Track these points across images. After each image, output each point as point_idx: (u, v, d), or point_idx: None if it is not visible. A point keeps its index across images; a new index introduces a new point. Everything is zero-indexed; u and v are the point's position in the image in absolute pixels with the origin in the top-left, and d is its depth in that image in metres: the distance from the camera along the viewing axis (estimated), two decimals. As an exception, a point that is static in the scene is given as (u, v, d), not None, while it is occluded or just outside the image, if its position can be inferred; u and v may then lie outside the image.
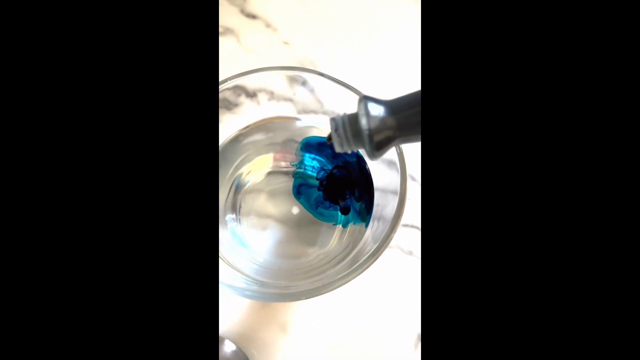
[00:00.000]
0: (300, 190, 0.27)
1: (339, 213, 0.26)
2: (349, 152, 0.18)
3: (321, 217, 0.26)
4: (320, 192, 0.27)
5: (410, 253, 0.28)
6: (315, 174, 0.27)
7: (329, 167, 0.27)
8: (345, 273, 0.18)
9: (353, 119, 0.17)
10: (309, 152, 0.27)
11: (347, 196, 0.26)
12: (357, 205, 0.26)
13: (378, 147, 0.17)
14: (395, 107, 0.16)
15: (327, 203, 0.26)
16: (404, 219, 0.28)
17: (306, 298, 0.18)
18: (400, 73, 0.32)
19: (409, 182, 0.29)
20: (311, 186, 0.27)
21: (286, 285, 0.23)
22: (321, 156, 0.27)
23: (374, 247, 0.19)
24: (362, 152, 0.26)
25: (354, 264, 0.19)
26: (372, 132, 0.16)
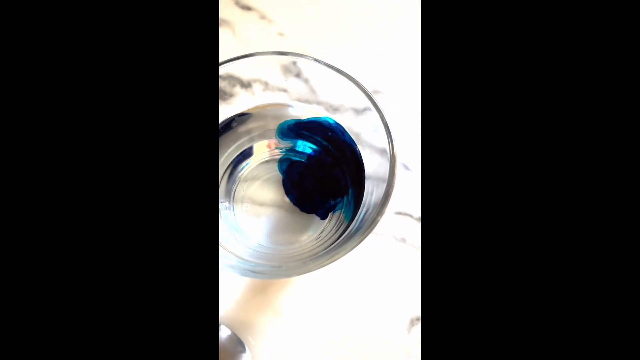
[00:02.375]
0: (283, 167, 0.27)
1: (331, 200, 0.26)
2: None
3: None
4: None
5: (404, 240, 0.28)
6: (303, 160, 0.27)
7: (318, 148, 0.26)
8: (333, 252, 0.18)
9: None
10: (287, 137, 0.27)
11: (322, 199, 0.26)
12: (350, 192, 0.26)
13: None
14: None
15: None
16: (398, 207, 0.29)
17: (298, 274, 0.18)
18: (399, 67, 0.32)
19: (402, 171, 0.30)
20: (294, 162, 0.27)
21: (279, 265, 0.24)
22: (301, 139, 0.27)
23: (361, 229, 0.19)
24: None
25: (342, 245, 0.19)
26: None
